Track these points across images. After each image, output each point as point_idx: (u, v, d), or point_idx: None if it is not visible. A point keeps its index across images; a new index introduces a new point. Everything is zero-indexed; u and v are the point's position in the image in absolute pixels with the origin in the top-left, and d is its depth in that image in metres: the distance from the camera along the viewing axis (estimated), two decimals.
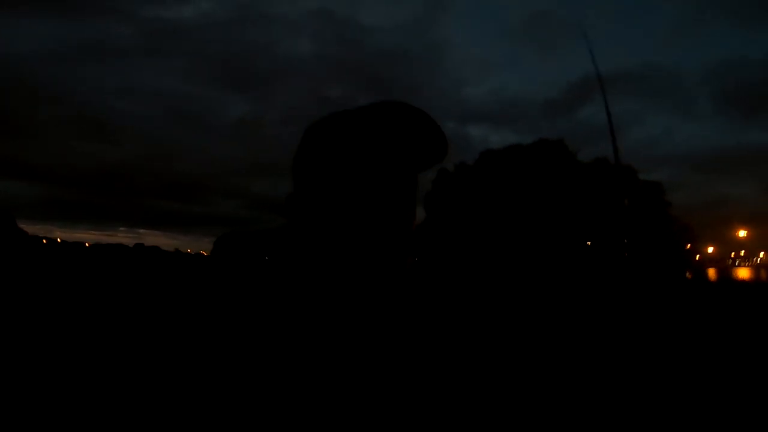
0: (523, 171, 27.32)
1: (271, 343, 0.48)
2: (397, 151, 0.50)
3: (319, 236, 0.51)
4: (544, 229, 25.66)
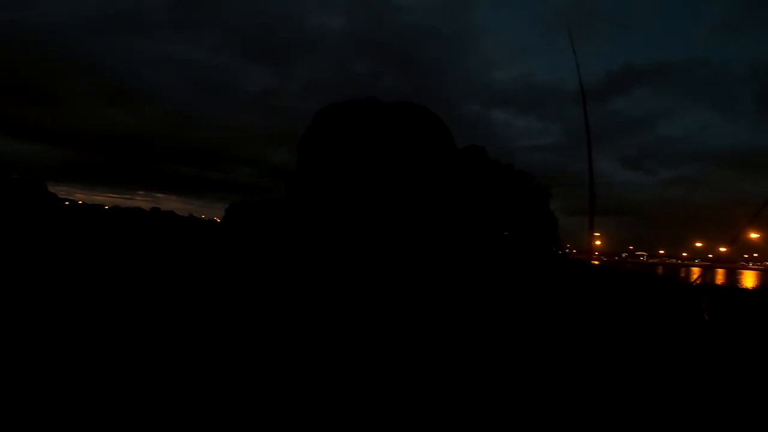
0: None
1: (272, 315, 0.50)
2: (405, 148, 0.50)
3: (318, 221, 0.52)
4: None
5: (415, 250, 0.52)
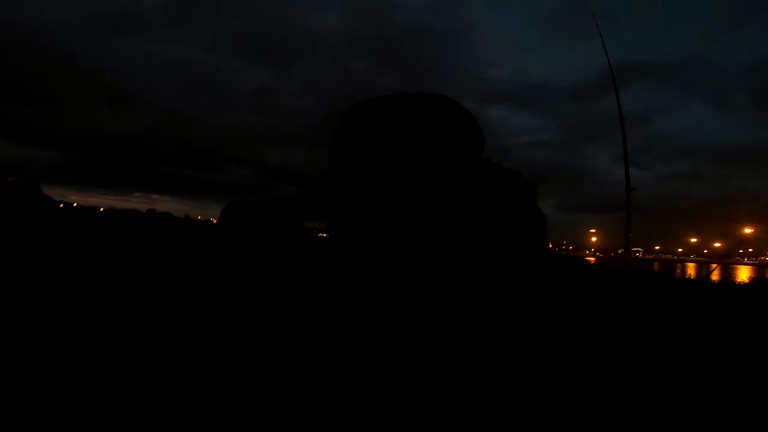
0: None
1: (271, 315, 0.50)
2: (436, 143, 0.50)
3: (349, 216, 0.52)
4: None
5: (435, 248, 0.52)
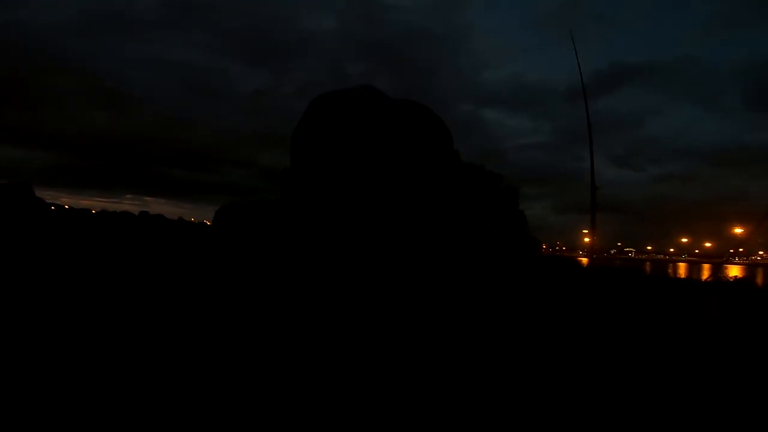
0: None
1: (263, 320, 0.48)
2: (403, 141, 0.48)
3: (313, 215, 0.50)
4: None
5: (408, 252, 0.50)
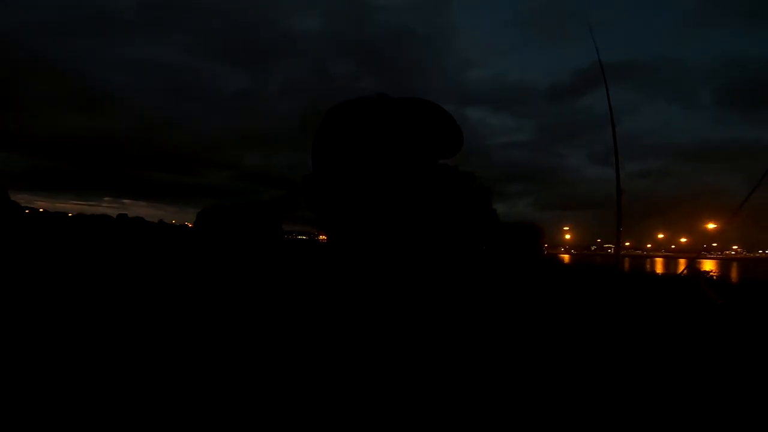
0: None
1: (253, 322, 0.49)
2: (417, 142, 0.51)
3: (337, 219, 0.52)
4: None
5: (418, 252, 0.53)
